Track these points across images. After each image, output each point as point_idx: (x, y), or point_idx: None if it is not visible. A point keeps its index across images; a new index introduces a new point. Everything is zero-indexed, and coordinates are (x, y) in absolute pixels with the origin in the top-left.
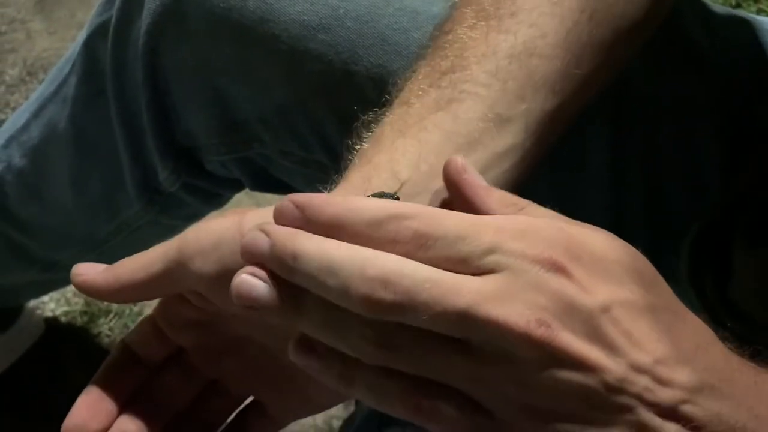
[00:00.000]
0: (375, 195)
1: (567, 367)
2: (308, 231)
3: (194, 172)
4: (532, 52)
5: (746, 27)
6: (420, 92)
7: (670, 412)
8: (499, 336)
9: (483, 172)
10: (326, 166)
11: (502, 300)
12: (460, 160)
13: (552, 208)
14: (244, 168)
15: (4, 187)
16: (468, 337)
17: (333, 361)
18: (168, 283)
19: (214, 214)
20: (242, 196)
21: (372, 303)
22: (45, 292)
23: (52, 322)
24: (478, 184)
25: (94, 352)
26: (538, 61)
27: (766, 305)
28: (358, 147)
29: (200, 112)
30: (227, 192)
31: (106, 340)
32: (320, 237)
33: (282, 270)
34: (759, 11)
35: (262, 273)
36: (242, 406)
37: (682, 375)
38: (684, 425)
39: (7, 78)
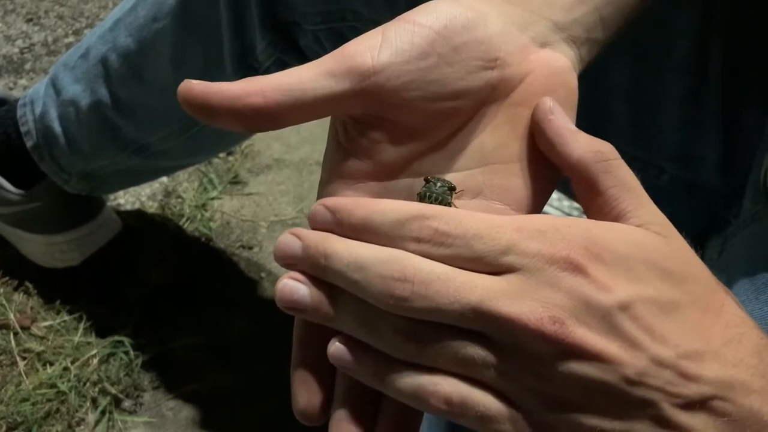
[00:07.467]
0: (433, 180)
1: (584, 361)
2: (340, 233)
3: (289, 49)
4: None
5: None
6: None
7: (697, 408)
8: (513, 331)
9: None
10: None
11: (514, 297)
12: (548, 101)
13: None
14: (335, 42)
15: (107, 67)
16: (487, 332)
17: (367, 359)
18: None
19: None
20: None
21: (391, 297)
22: (129, 184)
23: (127, 222)
24: (563, 126)
25: (165, 253)
26: None
27: None
28: None
29: None
30: None
31: (177, 243)
32: (348, 240)
33: (315, 269)
34: None
35: (302, 277)
36: None
37: (709, 370)
38: (716, 420)
39: None
